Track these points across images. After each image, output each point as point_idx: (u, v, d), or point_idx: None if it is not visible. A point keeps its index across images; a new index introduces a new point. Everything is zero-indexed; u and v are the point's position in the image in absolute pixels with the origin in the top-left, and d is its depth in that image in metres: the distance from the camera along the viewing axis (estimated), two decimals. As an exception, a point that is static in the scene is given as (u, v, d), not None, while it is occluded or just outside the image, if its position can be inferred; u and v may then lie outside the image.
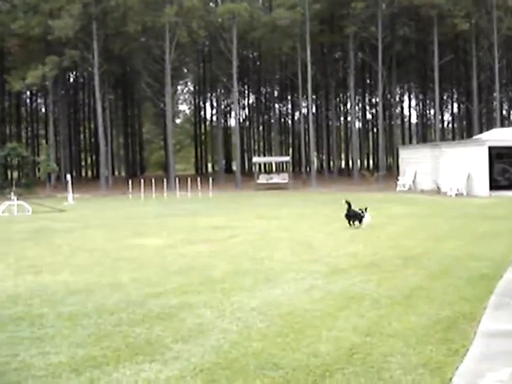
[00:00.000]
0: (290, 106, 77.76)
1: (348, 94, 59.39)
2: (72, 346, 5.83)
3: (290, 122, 79.76)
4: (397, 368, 5.08)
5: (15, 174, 48.77)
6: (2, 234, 16.94)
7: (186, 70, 71.08)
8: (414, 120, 79.71)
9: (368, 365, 5.17)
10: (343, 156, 74.75)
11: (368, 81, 68.68)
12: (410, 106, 79.13)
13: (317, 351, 5.51)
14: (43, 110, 74.77)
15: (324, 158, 68.40)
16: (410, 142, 73.89)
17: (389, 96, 63.23)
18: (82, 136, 75.88)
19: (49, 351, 5.69)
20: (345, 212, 16.17)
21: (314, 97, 58.50)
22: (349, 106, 63.64)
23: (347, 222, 16.06)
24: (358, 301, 7.45)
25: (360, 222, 16.01)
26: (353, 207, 16.17)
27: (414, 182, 36.30)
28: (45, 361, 5.43)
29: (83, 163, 78.82)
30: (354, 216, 16.07)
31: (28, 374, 5.08)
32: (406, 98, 77.44)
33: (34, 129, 78.21)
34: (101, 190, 45.75)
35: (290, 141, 78.31)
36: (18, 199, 26.19)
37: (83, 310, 7.22)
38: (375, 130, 69.84)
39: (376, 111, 66.09)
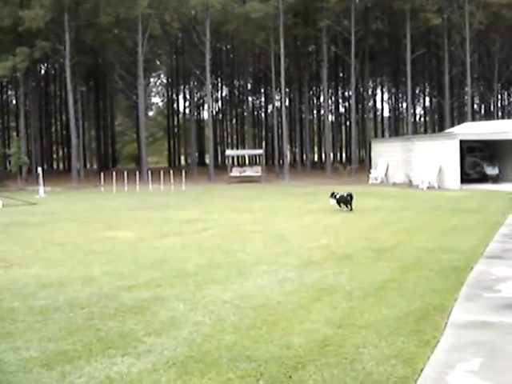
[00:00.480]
0: (263, 99, 77.75)
1: (321, 88, 59.60)
2: (43, 341, 5.78)
3: (263, 115, 79.78)
4: (369, 359, 5.12)
5: (-15, 167, 48.16)
6: (-28, 227, 16.70)
7: (158, 63, 70.71)
8: (386, 113, 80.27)
9: (340, 356, 5.20)
10: (316, 149, 75.04)
11: (341, 74, 68.88)
12: (382, 100, 79.69)
13: (289, 343, 5.53)
14: (14, 102, 73.82)
15: (297, 151, 68.53)
16: (383, 136, 74.48)
17: (361, 89, 63.55)
18: (53, 128, 75.08)
19: (19, 346, 5.64)
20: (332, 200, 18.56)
21: (287, 90, 58.49)
22: (322, 99, 63.80)
23: (338, 205, 18.30)
24: (330, 293, 7.48)
25: (347, 205, 18.06)
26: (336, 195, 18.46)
27: (386, 174, 36.56)
28: (15, 356, 5.37)
29: (55, 156, 78.06)
30: (342, 201, 18.22)
31: (-2, 370, 5.03)
32: (378, 91, 77.91)
33: (5, 121, 77.09)
34: (72, 182, 45.34)
35: (263, 134, 78.35)
36: (-13, 192, 25.82)
37: (54, 304, 7.15)
38: (348, 123, 70.19)
39: (349, 104, 66.44)
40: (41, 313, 6.78)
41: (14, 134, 53.05)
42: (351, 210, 17.93)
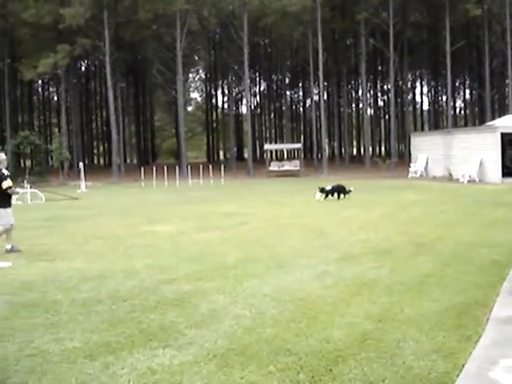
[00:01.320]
0: (301, 92, 77.51)
1: (359, 81, 59.12)
2: (86, 332, 5.87)
3: (301, 108, 79.56)
4: (409, 354, 5.09)
5: (28, 163, 49.03)
6: (16, 222, 17.01)
7: (197, 58, 71.01)
8: (425, 107, 79.30)
9: (381, 351, 5.18)
10: (355, 143, 74.57)
11: (380, 67, 68.27)
12: (421, 93, 78.79)
13: (329, 337, 5.53)
14: (55, 98, 74.95)
15: (335, 145, 68.20)
16: (422, 129, 73.58)
17: (400, 82, 62.89)
18: (94, 124, 76.05)
19: (63, 337, 5.73)
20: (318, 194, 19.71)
21: (325, 84, 58.22)
22: (360, 92, 63.35)
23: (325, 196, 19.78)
24: (370, 287, 7.45)
25: (342, 194, 19.78)
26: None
27: (425, 168, 36.15)
28: (59, 346, 5.47)
29: (95, 151, 79.03)
30: (333, 191, 19.84)
31: (43, 360, 5.12)
32: (417, 84, 77.01)
33: (47, 117, 78.46)
34: (113, 177, 45.89)
35: (302, 128, 78.13)
36: (31, 187, 26.34)
37: (97, 297, 7.27)
38: (387, 116, 69.56)
39: (388, 98, 65.87)
40: (84, 305, 6.89)
41: (56, 129, 53.86)
42: (342, 197, 19.79)
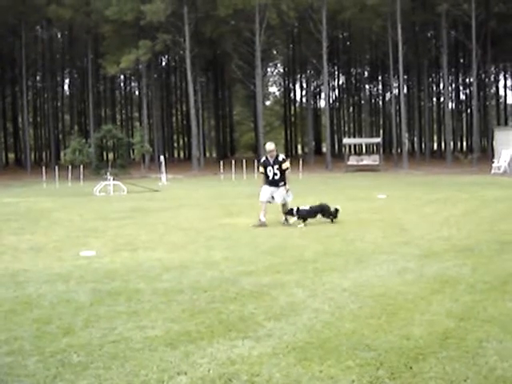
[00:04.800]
0: (380, 86, 76.54)
1: (441, 74, 57.87)
2: (167, 321, 5.99)
3: (380, 102, 78.56)
4: (492, 354, 4.94)
5: (111, 155, 50.41)
6: (99, 212, 17.57)
7: (275, 52, 71.17)
8: (510, 100, 76.74)
9: (462, 350, 5.05)
10: (435, 138, 72.96)
11: (461, 60, 66.52)
12: (505, 86, 76.14)
13: (410, 334, 5.44)
14: (137, 93, 76.75)
15: (415, 139, 66.93)
16: (506, 124, 71.18)
17: (483, 75, 61.07)
18: (174, 118, 77.49)
19: (145, 325, 5.87)
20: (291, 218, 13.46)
21: (405, 77, 57.24)
22: (441, 86, 61.88)
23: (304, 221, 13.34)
24: (452, 285, 7.28)
25: (328, 216, 13.58)
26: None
27: (509, 164, 34.99)
28: (141, 334, 5.59)
29: (175, 145, 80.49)
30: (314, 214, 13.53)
31: (125, 347, 5.25)
32: (501, 77, 74.51)
33: (128, 111, 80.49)
34: (193, 170, 46.64)
35: (381, 122, 77.15)
36: (113, 179, 27.11)
37: (178, 287, 7.40)
38: (469, 110, 67.76)
39: (470, 91, 64.12)
40: (165, 294, 7.03)
41: (138, 123, 55.14)
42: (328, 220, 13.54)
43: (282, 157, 13.93)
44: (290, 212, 13.29)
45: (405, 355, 4.91)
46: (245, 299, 6.75)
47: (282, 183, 13.60)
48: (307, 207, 13.40)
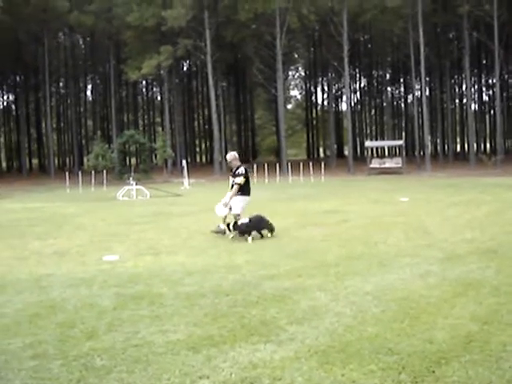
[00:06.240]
0: (402, 88, 76.11)
1: (463, 75, 57.38)
2: (190, 325, 6.01)
3: (402, 105, 78.10)
4: (517, 358, 4.90)
5: (133, 160, 50.77)
6: (123, 217, 17.69)
7: (296, 55, 71.18)
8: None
9: (486, 353, 5.00)
10: (458, 139, 72.36)
11: (484, 61, 65.95)
12: (530, 87, 75.26)
13: (432, 338, 5.40)
14: (159, 98, 77.19)
15: (438, 141, 66.46)
16: (531, 124, 70.37)
17: (506, 76, 60.45)
18: (196, 123, 77.77)
19: (168, 329, 5.90)
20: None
21: (427, 79, 56.91)
22: (464, 87, 61.46)
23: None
24: (475, 288, 7.21)
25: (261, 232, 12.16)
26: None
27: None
28: (164, 338, 5.62)
29: (197, 149, 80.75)
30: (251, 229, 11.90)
31: (148, 351, 5.29)
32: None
33: (151, 116, 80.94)
34: (215, 174, 46.77)
35: (403, 124, 76.69)
36: (136, 184, 27.29)
37: (200, 291, 7.43)
38: (492, 112, 67.09)
39: (493, 92, 63.45)
40: (187, 298, 7.06)
41: (160, 128, 55.46)
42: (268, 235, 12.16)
43: (240, 170, 12.60)
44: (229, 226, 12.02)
45: (427, 359, 4.88)
46: (267, 303, 6.75)
47: (239, 193, 12.49)
48: (246, 220, 11.89)
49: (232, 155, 13.10)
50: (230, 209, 12.51)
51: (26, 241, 12.80)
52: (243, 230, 11.81)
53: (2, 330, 6.07)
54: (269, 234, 12.16)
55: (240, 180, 12.44)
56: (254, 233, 11.94)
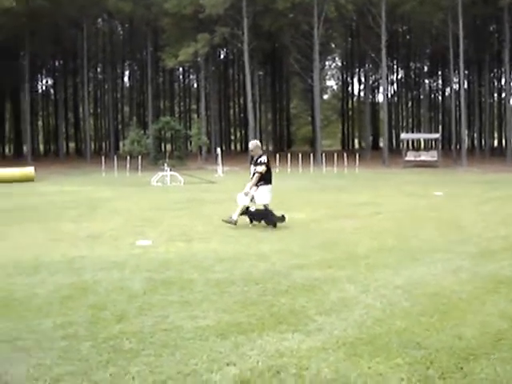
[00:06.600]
0: (440, 81, 75.04)
1: (503, 69, 56.25)
2: (219, 312, 6.06)
3: (440, 97, 77.03)
4: (548, 357, 4.84)
5: (168, 147, 51.05)
6: (156, 202, 17.85)
7: (333, 45, 70.63)
8: None
9: (516, 351, 4.96)
10: (496, 134, 71.20)
11: (525, 54, 64.59)
12: None
13: (461, 334, 5.35)
14: (195, 85, 77.37)
15: (475, 136, 65.44)
16: None
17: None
18: (231, 111, 77.82)
19: (197, 315, 5.95)
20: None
21: (466, 72, 56.00)
22: (503, 81, 60.24)
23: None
24: (507, 285, 7.12)
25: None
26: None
27: None
28: (193, 324, 5.67)
29: (232, 137, 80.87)
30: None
31: (177, 336, 5.34)
32: None
33: (186, 104, 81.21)
34: (249, 163, 46.75)
35: (440, 117, 75.68)
36: (170, 170, 27.47)
37: (230, 278, 7.48)
38: (533, 106, 65.75)
39: (534, 87, 62.18)
40: (217, 285, 7.11)
41: (195, 115, 55.64)
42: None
43: (262, 159, 12.40)
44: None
45: (456, 355, 4.84)
46: (296, 293, 6.76)
47: (261, 182, 12.30)
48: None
49: (254, 143, 12.91)
50: (252, 199, 12.34)
51: (61, 223, 13.01)
52: (252, 217, 12.27)
53: (34, 310, 6.20)
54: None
55: (261, 169, 12.29)
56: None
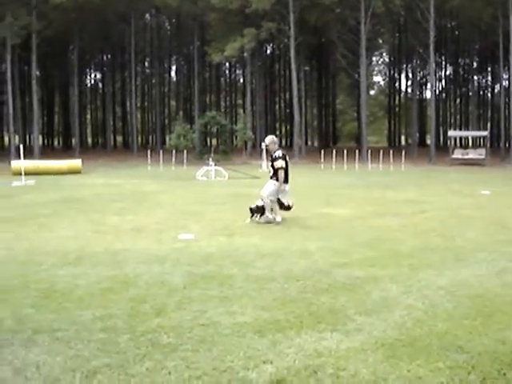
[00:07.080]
0: (489, 78, 73.53)
1: (556, 66, 54.84)
2: (257, 308, 6.02)
3: (489, 94, 75.49)
4: None
5: (214, 141, 51.30)
6: (200, 196, 17.94)
7: (380, 41, 69.91)
8: None
9: None
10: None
11: None
12: None
13: (505, 338, 5.20)
14: (241, 80, 77.56)
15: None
16: None
17: None
18: (277, 106, 77.73)
19: (235, 311, 5.93)
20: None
21: (517, 68, 54.69)
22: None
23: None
24: (555, 288, 6.92)
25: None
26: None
27: None
28: (231, 320, 5.65)
29: (278, 132, 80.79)
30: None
31: (214, 331, 5.33)
32: None
33: (232, 98, 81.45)
34: (294, 158, 46.60)
35: (489, 115, 74.17)
36: (215, 165, 27.61)
37: (270, 274, 7.44)
38: None
39: None
40: (257, 281, 7.08)
41: (241, 110, 55.71)
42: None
43: (277, 154, 12.26)
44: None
45: (499, 360, 4.71)
46: (337, 291, 6.68)
47: (274, 178, 12.28)
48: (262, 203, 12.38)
49: (270, 138, 12.71)
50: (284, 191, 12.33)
51: (105, 216, 13.17)
52: (256, 210, 12.38)
53: (75, 301, 6.28)
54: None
55: (280, 163, 12.07)
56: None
